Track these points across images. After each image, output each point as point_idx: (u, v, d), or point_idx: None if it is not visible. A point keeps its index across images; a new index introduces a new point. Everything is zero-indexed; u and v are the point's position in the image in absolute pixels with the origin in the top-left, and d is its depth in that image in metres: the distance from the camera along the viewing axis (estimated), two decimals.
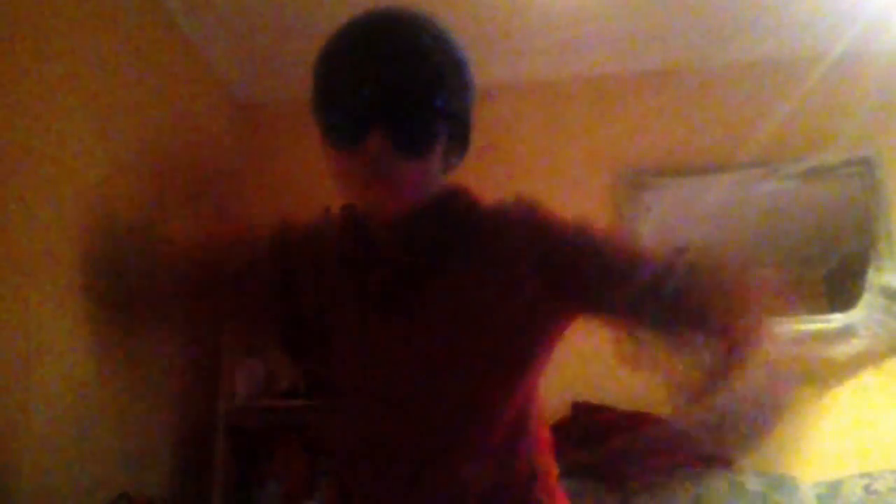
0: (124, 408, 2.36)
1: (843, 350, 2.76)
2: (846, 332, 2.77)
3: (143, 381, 2.51)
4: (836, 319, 2.80)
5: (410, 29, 0.91)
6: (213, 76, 3.17)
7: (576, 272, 0.95)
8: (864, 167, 2.94)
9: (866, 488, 2.42)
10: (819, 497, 2.46)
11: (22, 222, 1.96)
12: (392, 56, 0.88)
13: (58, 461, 2.03)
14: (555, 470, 1.12)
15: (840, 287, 2.98)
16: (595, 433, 2.63)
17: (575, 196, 3.11)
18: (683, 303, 0.93)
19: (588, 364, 2.90)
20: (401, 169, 0.90)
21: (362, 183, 0.93)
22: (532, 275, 0.94)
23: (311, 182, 3.26)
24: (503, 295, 0.94)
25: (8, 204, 1.91)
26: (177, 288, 1.17)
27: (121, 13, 2.49)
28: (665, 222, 3.03)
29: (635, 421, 2.66)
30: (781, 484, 2.46)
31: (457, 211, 1.00)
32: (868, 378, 2.77)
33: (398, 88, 0.88)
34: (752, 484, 2.45)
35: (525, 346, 0.98)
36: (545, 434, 1.10)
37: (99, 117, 2.33)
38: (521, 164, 3.15)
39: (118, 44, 2.46)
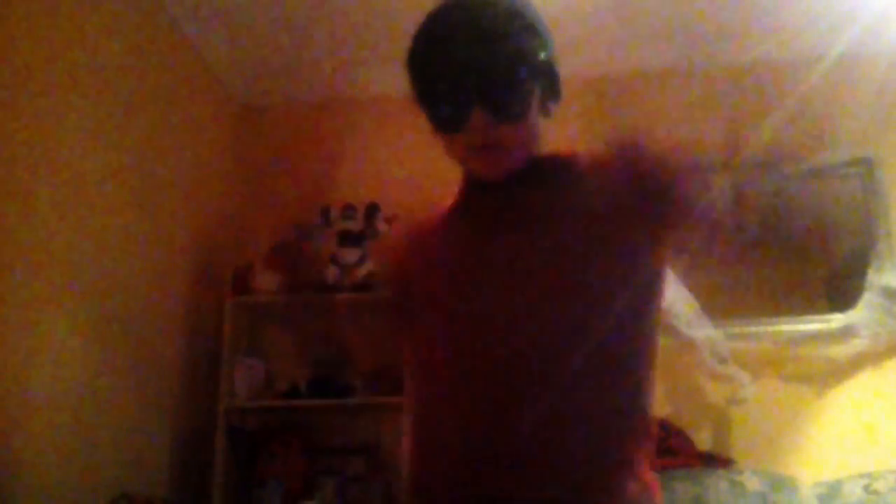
0: (124, 408, 2.37)
1: (843, 350, 2.77)
2: (846, 332, 2.77)
3: (143, 381, 2.51)
4: (836, 319, 2.80)
5: (485, 10, 1.02)
6: (213, 76, 3.18)
7: (668, 195, 1.09)
8: (864, 167, 2.94)
9: (866, 488, 2.42)
10: (819, 497, 2.46)
11: (22, 222, 1.96)
12: (475, 42, 1.00)
13: (58, 461, 2.03)
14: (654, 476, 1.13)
15: (840, 287, 2.98)
16: None
17: None
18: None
19: None
20: (506, 134, 1.03)
21: (475, 156, 1.05)
22: (631, 205, 1.05)
23: (310, 182, 3.27)
24: (605, 225, 1.04)
25: (8, 204, 1.91)
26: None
27: (121, 14, 2.49)
28: None
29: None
30: (781, 484, 2.46)
31: (558, 160, 1.15)
32: (868, 378, 2.77)
33: (487, 71, 1.00)
34: (752, 484, 2.45)
35: (626, 277, 1.04)
36: (652, 432, 1.13)
37: (99, 117, 2.33)
38: None
39: (118, 44, 2.46)
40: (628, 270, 1.04)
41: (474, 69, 1.00)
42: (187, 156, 2.92)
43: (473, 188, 1.15)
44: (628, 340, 1.07)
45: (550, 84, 1.11)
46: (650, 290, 1.09)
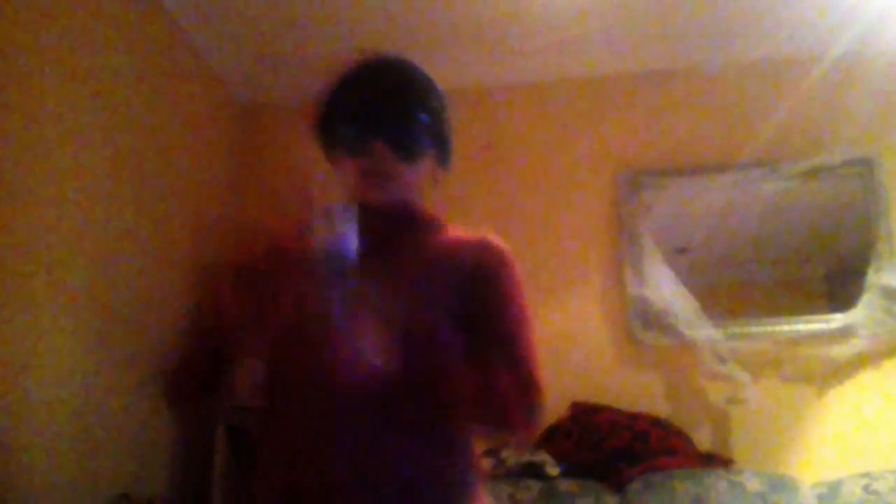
0: (124, 408, 2.37)
1: (843, 350, 2.77)
2: (846, 332, 2.77)
3: (143, 382, 2.51)
4: (836, 319, 2.80)
5: (400, 67, 1.21)
6: (213, 76, 3.18)
7: (478, 314, 1.17)
8: (864, 167, 2.94)
9: (866, 488, 2.42)
10: (819, 497, 2.46)
11: (22, 222, 1.96)
12: (389, 86, 1.18)
13: (58, 461, 2.03)
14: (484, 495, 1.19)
15: (840, 287, 2.99)
16: (595, 433, 2.63)
17: (575, 196, 3.12)
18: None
19: (588, 364, 2.90)
20: (398, 170, 1.17)
21: (366, 182, 1.17)
22: (457, 286, 1.17)
23: (310, 182, 3.27)
24: (432, 284, 1.17)
25: (8, 204, 1.91)
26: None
27: (121, 13, 2.49)
28: (665, 222, 3.03)
29: (635, 421, 2.67)
30: (781, 484, 2.46)
31: (429, 218, 1.26)
32: (868, 378, 2.77)
33: (394, 110, 1.17)
34: (752, 484, 2.45)
35: (438, 326, 1.14)
36: (477, 451, 1.21)
37: (99, 117, 2.33)
38: (522, 164, 3.15)
39: (118, 44, 2.46)
40: (443, 323, 1.14)
41: (385, 105, 1.16)
42: (187, 156, 2.92)
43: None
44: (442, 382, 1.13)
45: (443, 151, 1.24)
46: (453, 348, 1.16)
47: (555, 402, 2.71)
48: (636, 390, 2.82)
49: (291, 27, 2.97)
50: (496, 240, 1.25)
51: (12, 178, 1.93)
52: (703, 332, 2.80)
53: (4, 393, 1.85)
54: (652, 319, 2.86)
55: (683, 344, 2.81)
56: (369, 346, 1.07)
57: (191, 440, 2.75)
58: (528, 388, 1.14)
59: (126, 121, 2.47)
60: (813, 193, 3.01)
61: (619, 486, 2.48)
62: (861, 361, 2.78)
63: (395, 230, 1.20)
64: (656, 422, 2.69)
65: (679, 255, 3.01)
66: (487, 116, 3.20)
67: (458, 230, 1.26)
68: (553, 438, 2.67)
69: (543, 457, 2.57)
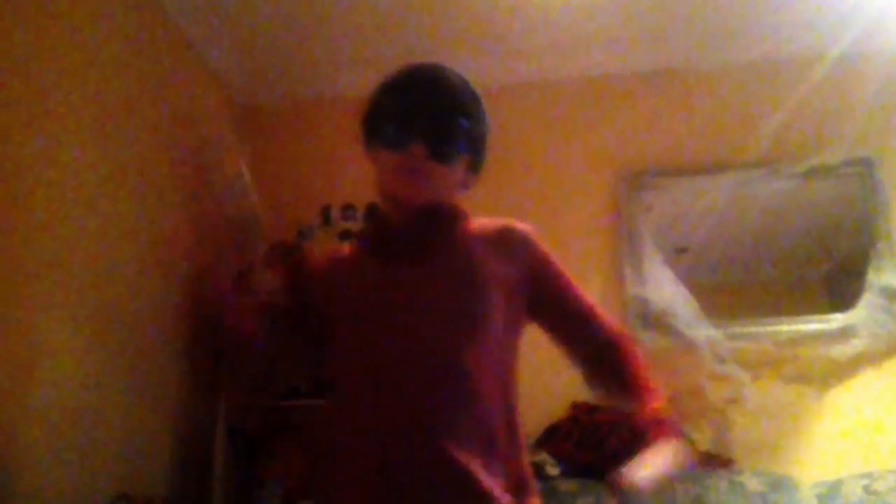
0: (124, 408, 2.37)
1: (843, 350, 2.77)
2: (846, 332, 2.77)
3: (143, 382, 2.51)
4: (836, 319, 2.80)
5: (445, 74, 1.30)
6: (213, 76, 3.18)
7: (547, 293, 1.32)
8: (864, 167, 2.94)
9: (866, 488, 2.42)
10: (819, 497, 2.46)
11: (22, 223, 1.96)
12: (432, 90, 1.27)
13: (58, 461, 2.03)
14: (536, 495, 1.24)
15: (840, 287, 2.99)
16: (595, 433, 2.63)
17: (575, 196, 3.12)
18: (609, 360, 1.32)
19: None
20: (431, 170, 1.25)
21: (402, 178, 1.25)
22: (517, 273, 1.27)
23: (310, 182, 3.27)
24: (483, 272, 1.24)
25: (8, 204, 1.91)
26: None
27: (120, 13, 2.49)
28: (665, 222, 3.03)
29: (635, 421, 2.66)
30: (781, 484, 2.46)
31: (456, 211, 1.34)
32: (868, 378, 2.77)
33: (435, 113, 1.25)
34: (752, 484, 2.45)
35: (491, 314, 1.22)
36: (525, 456, 1.26)
37: (99, 117, 2.33)
38: (521, 164, 3.15)
39: (118, 44, 2.46)
40: (493, 308, 1.22)
41: (427, 106, 1.24)
42: (187, 156, 2.91)
43: (380, 230, 1.33)
44: (499, 363, 1.23)
45: (477, 158, 1.33)
46: (511, 334, 1.27)
47: (555, 402, 2.71)
48: None
49: (291, 27, 2.97)
50: (518, 223, 1.34)
51: (12, 178, 1.93)
52: (703, 332, 2.80)
53: (4, 393, 1.85)
54: (652, 319, 2.86)
55: (683, 344, 2.81)
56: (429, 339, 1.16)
57: (191, 440, 2.75)
58: (628, 338, 1.35)
59: (125, 120, 2.47)
60: (813, 193, 3.01)
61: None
62: (861, 361, 2.78)
63: (425, 224, 1.28)
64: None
65: (679, 255, 3.01)
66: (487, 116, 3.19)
67: (479, 219, 1.34)
68: (553, 438, 2.67)
69: (543, 457, 2.57)
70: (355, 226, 3.00)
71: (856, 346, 2.76)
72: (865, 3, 2.81)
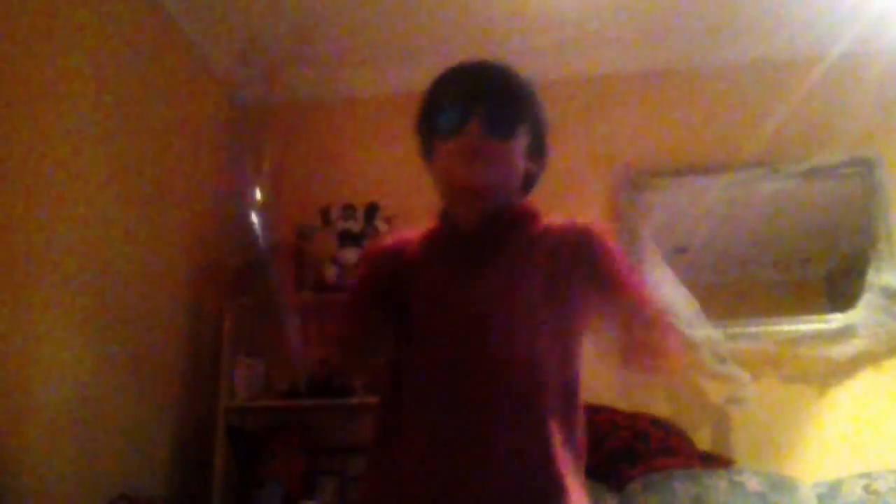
0: (124, 408, 2.37)
1: (843, 350, 2.76)
2: (846, 332, 2.77)
3: (143, 381, 2.51)
4: (836, 319, 2.80)
5: (498, 63, 1.28)
6: (213, 76, 3.17)
7: (600, 294, 1.25)
8: (864, 167, 2.93)
9: (866, 488, 2.42)
10: (819, 497, 2.46)
11: (22, 223, 1.96)
12: (485, 71, 1.26)
13: (58, 461, 2.03)
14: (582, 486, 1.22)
15: (840, 287, 2.98)
16: (595, 433, 2.63)
17: (575, 196, 3.11)
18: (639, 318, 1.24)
19: (588, 364, 2.90)
20: (492, 147, 1.21)
21: (462, 163, 1.21)
22: (571, 274, 1.23)
23: (310, 182, 3.27)
24: (545, 273, 1.23)
25: (8, 204, 1.91)
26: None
27: (121, 14, 2.49)
28: (665, 222, 3.03)
29: (635, 421, 2.66)
30: (781, 484, 2.46)
31: (526, 213, 1.31)
32: (868, 378, 2.77)
33: (488, 89, 1.23)
34: (752, 484, 2.45)
35: (552, 314, 1.21)
36: (584, 441, 1.25)
37: (99, 117, 2.33)
38: None
39: (119, 44, 2.46)
40: (561, 314, 1.22)
41: (479, 87, 1.23)
42: (187, 156, 2.92)
43: (448, 235, 1.30)
44: (564, 369, 1.23)
45: (538, 137, 1.29)
46: (576, 338, 1.26)
47: None
48: (636, 390, 2.82)
49: (291, 27, 2.97)
50: (580, 221, 1.29)
51: (12, 178, 1.93)
52: (703, 332, 2.80)
53: (4, 393, 1.85)
54: None
55: (683, 344, 2.81)
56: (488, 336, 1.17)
57: (191, 440, 2.75)
58: (666, 326, 1.28)
59: (125, 121, 2.47)
60: (813, 193, 3.01)
61: (619, 486, 2.48)
62: (861, 361, 2.78)
63: (492, 227, 1.26)
64: (656, 422, 2.68)
65: (679, 255, 3.01)
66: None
67: (553, 221, 1.30)
68: None
69: None
70: (355, 226, 3.00)
71: (856, 346, 2.76)
72: (865, 3, 2.81)
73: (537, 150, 1.30)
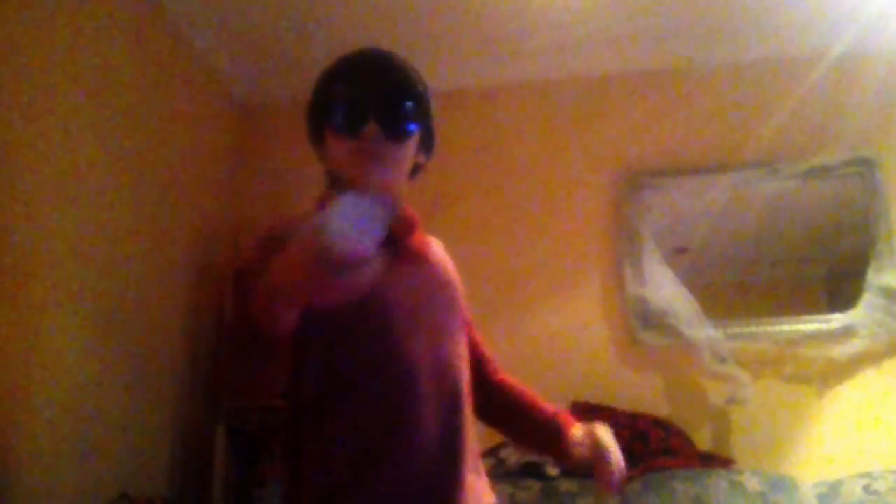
0: (124, 408, 2.37)
1: (843, 350, 2.76)
2: (846, 332, 2.77)
3: (143, 381, 2.51)
4: (836, 319, 2.80)
5: (391, 57, 1.29)
6: (213, 76, 3.18)
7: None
8: (864, 167, 2.94)
9: (866, 488, 2.42)
10: (819, 497, 2.46)
11: (23, 223, 1.96)
12: (381, 71, 1.27)
13: (58, 461, 2.03)
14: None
15: (840, 287, 2.98)
16: None
17: (575, 196, 3.12)
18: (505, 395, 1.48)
19: (588, 364, 2.90)
20: (388, 149, 1.23)
21: (359, 160, 1.23)
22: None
23: (309, 182, 3.27)
24: (449, 285, 1.33)
25: (9, 204, 1.91)
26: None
27: (120, 14, 2.49)
28: (665, 222, 3.03)
29: (635, 421, 2.66)
30: (781, 484, 2.46)
31: (416, 220, 1.35)
32: (868, 378, 2.77)
33: (386, 93, 1.24)
34: (752, 484, 2.45)
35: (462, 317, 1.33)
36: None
37: (99, 117, 2.33)
38: (522, 163, 3.15)
39: (118, 44, 2.46)
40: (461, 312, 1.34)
41: (378, 88, 1.24)
42: (187, 156, 2.92)
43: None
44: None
45: (428, 135, 1.32)
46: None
47: (555, 402, 2.71)
48: (636, 390, 2.82)
49: (291, 27, 2.97)
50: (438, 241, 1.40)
51: (12, 178, 1.93)
52: (703, 332, 2.80)
53: (4, 393, 1.85)
54: (652, 319, 2.86)
55: (683, 344, 2.81)
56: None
57: (191, 440, 2.75)
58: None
59: (125, 121, 2.47)
60: (813, 193, 3.01)
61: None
62: (861, 361, 2.78)
63: (406, 239, 1.29)
64: (656, 422, 2.68)
65: (679, 255, 3.01)
66: (487, 116, 3.20)
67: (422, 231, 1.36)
68: None
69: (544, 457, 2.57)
70: None
71: (856, 346, 2.76)
72: (865, 3, 2.81)
73: (427, 143, 1.33)
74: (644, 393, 2.81)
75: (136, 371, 2.46)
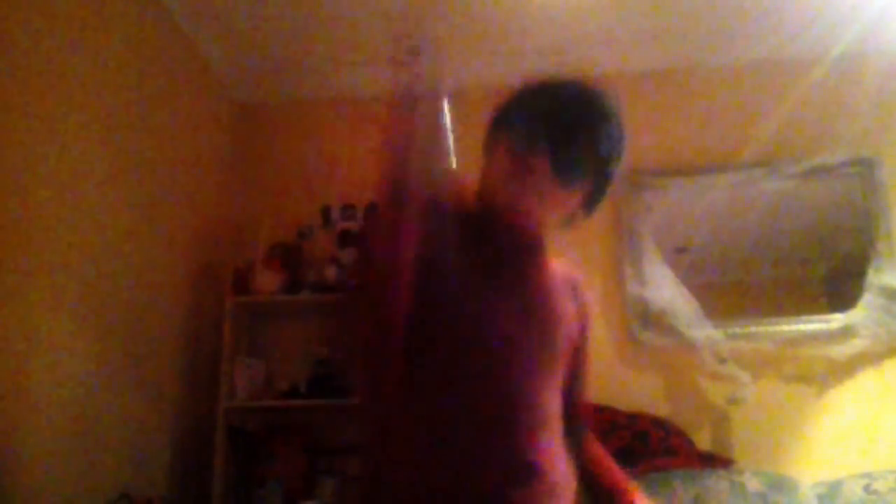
0: (124, 408, 2.37)
1: (843, 350, 2.77)
2: (846, 332, 2.78)
3: (143, 381, 2.51)
4: (836, 319, 2.80)
5: (601, 94, 1.18)
6: (213, 76, 3.18)
7: (579, 348, 1.30)
8: (864, 167, 2.94)
9: (866, 488, 2.42)
10: (819, 497, 2.46)
11: (23, 223, 1.96)
12: (583, 103, 1.16)
13: (58, 461, 2.03)
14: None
15: (840, 287, 2.98)
16: (595, 433, 2.63)
17: None
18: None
19: (590, 364, 2.90)
20: (550, 193, 1.15)
21: (515, 190, 1.15)
22: (576, 320, 1.28)
23: (310, 182, 3.27)
24: (558, 308, 1.25)
25: (8, 204, 1.91)
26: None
27: (121, 14, 2.49)
28: (665, 222, 3.03)
29: (635, 421, 2.67)
30: (781, 484, 2.47)
31: (543, 241, 1.29)
32: (868, 378, 2.77)
33: (577, 127, 1.14)
34: (752, 484, 2.45)
35: (561, 344, 1.23)
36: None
37: (99, 117, 2.33)
38: None
39: (118, 44, 2.46)
40: (562, 349, 1.23)
41: (573, 124, 1.14)
42: (187, 155, 2.92)
43: (484, 231, 1.21)
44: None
45: (596, 195, 1.22)
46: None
47: None
48: (636, 390, 2.82)
49: (291, 27, 2.97)
50: (576, 271, 1.33)
51: (12, 178, 1.93)
52: (703, 332, 2.80)
53: (4, 393, 1.85)
54: (652, 319, 2.86)
55: (683, 344, 2.81)
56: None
57: (191, 440, 2.75)
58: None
59: (126, 120, 2.47)
60: (813, 193, 3.01)
61: None
62: (861, 361, 2.78)
63: (521, 245, 1.23)
64: (656, 422, 2.69)
65: (679, 255, 3.01)
66: (488, 117, 3.19)
67: (553, 258, 1.30)
68: None
69: None
70: (355, 226, 3.00)
71: (856, 346, 2.76)
72: (865, 3, 2.81)
73: (590, 205, 1.23)
74: (644, 393, 2.81)
75: (136, 371, 2.46)
